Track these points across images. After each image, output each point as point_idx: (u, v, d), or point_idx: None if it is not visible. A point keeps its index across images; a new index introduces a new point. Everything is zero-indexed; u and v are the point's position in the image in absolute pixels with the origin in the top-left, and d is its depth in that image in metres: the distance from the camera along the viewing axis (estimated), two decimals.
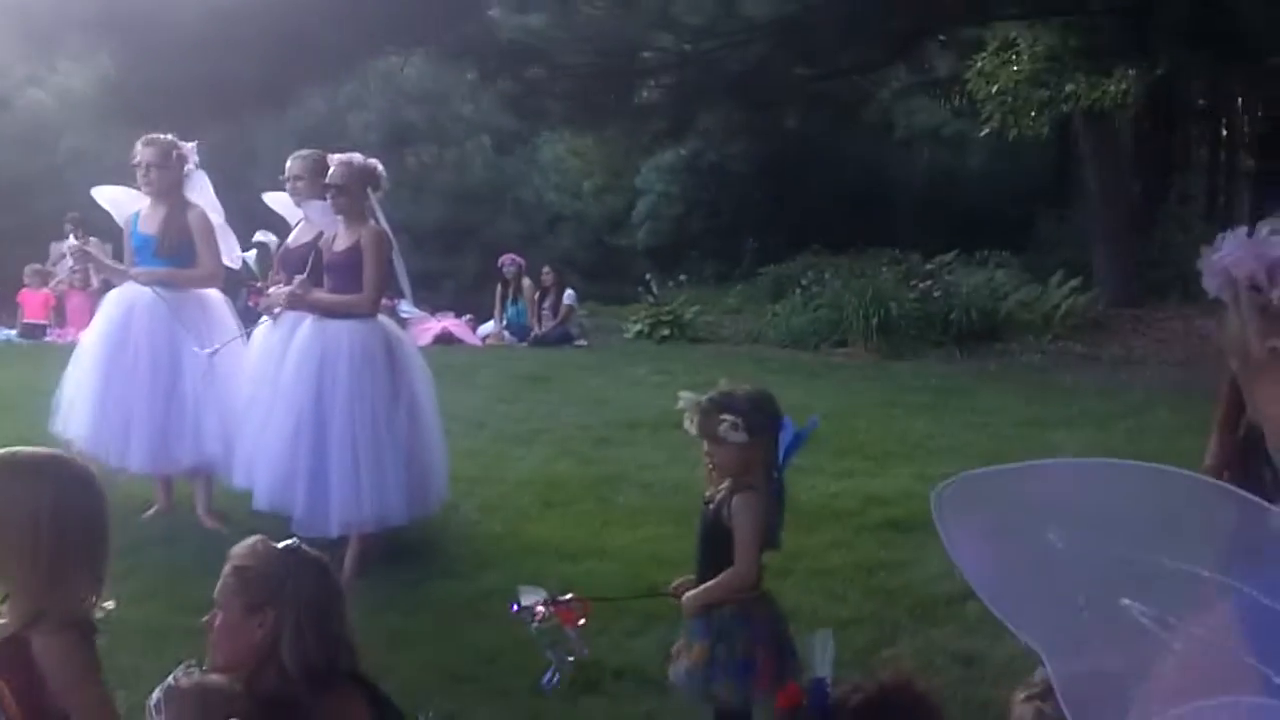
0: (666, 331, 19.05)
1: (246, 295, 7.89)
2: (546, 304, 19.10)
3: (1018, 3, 19.03)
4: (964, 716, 4.78)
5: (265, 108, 20.64)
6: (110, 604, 3.07)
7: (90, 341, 7.71)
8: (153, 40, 17.37)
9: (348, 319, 6.89)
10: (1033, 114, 19.59)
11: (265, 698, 3.01)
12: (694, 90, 20.55)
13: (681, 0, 17.79)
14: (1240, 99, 27.54)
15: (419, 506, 7.11)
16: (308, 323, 7.00)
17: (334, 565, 3.52)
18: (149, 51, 17.44)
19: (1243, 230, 1.89)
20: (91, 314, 13.40)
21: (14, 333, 18.60)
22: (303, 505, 6.71)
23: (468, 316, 19.59)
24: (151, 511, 7.74)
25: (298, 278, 7.00)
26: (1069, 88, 18.32)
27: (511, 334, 18.95)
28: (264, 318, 7.50)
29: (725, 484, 4.28)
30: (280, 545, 3.18)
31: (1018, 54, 19.08)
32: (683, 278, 23.38)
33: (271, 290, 7.33)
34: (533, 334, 18.76)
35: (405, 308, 13.25)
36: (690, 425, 4.28)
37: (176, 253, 7.52)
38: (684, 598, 4.35)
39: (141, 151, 7.50)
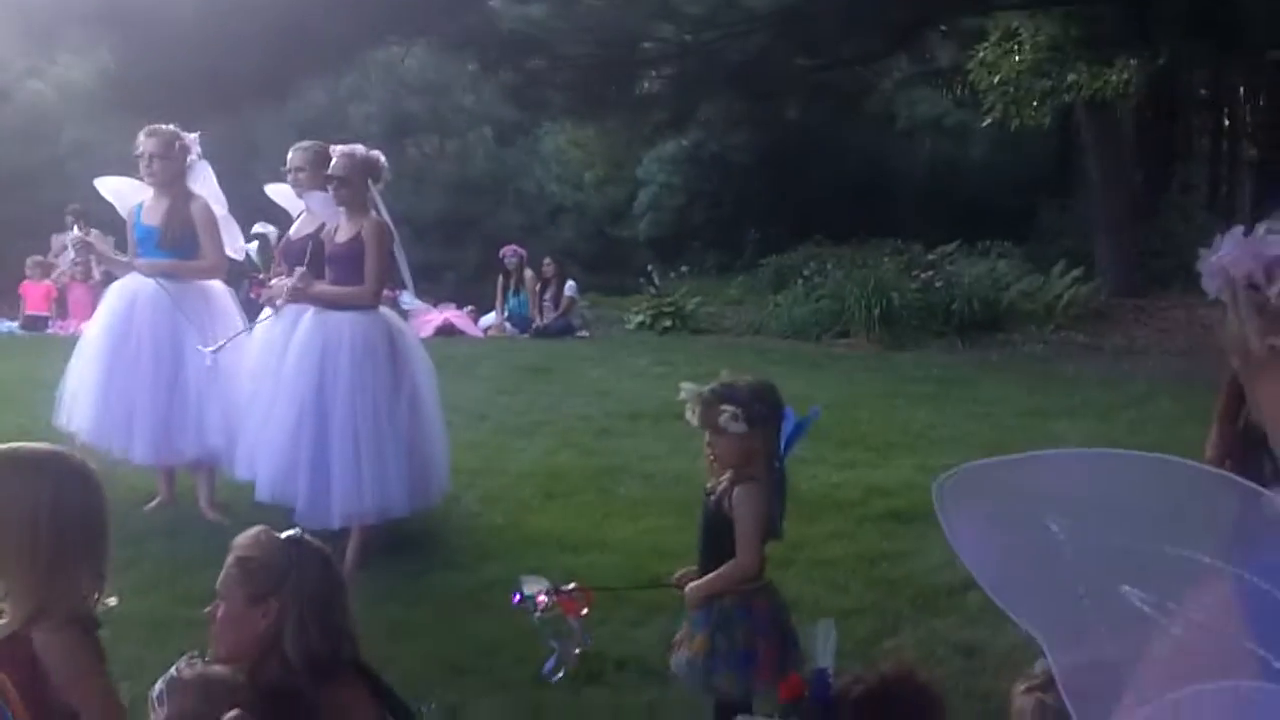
0: (668, 323, 19.04)
1: (248, 287, 7.89)
2: (547, 295, 19.10)
3: None
4: (966, 707, 4.78)
5: (266, 99, 20.62)
6: (113, 599, 3.07)
7: (93, 333, 7.72)
8: (152, 33, 17.36)
9: (349, 311, 6.89)
10: (1035, 104, 19.59)
11: (268, 689, 3.01)
12: (695, 81, 20.52)
13: None
14: (1242, 88, 27.54)
15: (420, 498, 7.12)
16: (309, 315, 7.00)
17: (335, 557, 3.52)
18: (149, 44, 17.43)
19: (1239, 230, 1.90)
20: (93, 306, 13.40)
21: (16, 325, 18.62)
22: (304, 497, 6.71)
23: (469, 308, 19.58)
24: (154, 503, 7.74)
25: (299, 269, 7.00)
26: (1071, 78, 18.31)
27: (513, 325, 18.94)
28: (266, 310, 7.49)
29: (727, 475, 4.28)
30: (283, 536, 3.18)
31: (1019, 44, 19.08)
32: (684, 269, 23.38)
33: (273, 282, 7.33)
34: (534, 325, 18.76)
35: (407, 299, 13.23)
36: (692, 416, 4.28)
37: (180, 244, 7.52)
38: (686, 589, 4.35)
39: (144, 142, 7.50)
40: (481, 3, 18.72)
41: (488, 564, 6.82)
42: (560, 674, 4.35)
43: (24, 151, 24.21)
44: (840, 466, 9.03)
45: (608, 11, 18.78)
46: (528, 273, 19.20)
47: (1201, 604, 1.58)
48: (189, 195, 7.59)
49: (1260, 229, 1.87)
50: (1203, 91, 28.47)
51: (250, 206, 8.22)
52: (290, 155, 7.65)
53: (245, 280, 8.00)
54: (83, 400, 7.48)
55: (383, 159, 7.14)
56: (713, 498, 4.32)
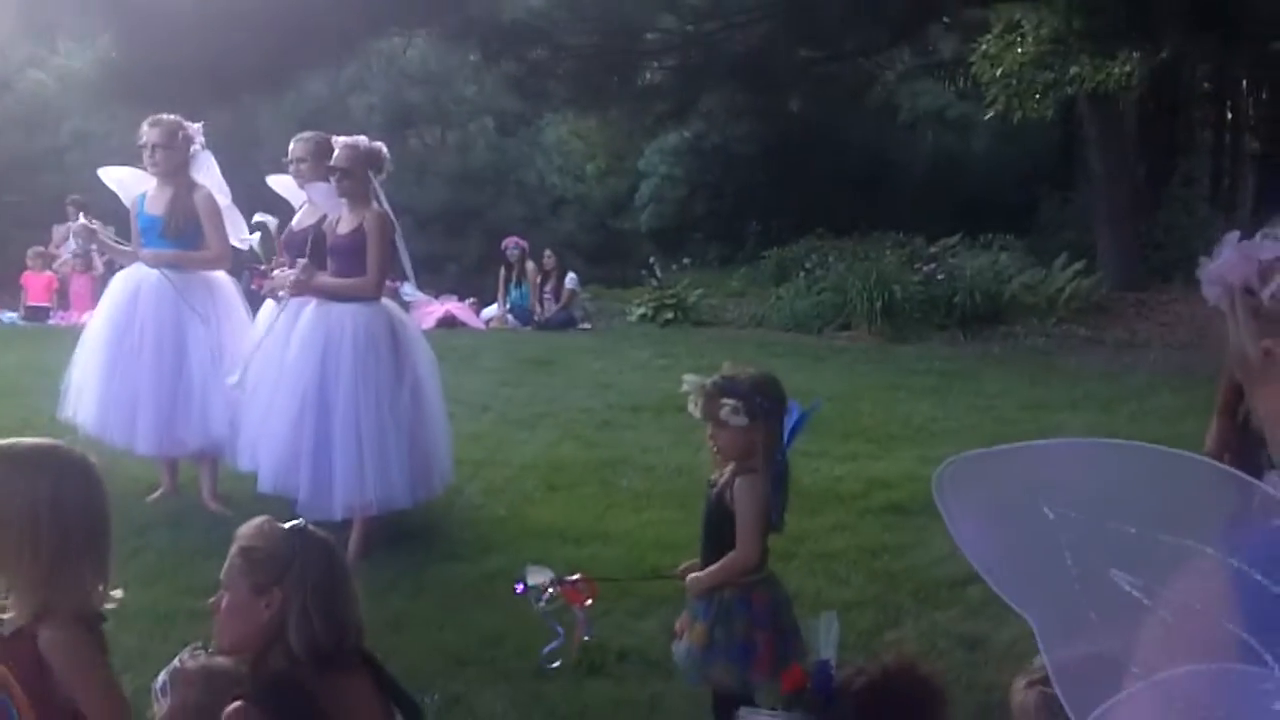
0: (670, 315, 19.04)
1: (249, 278, 7.89)
2: (548, 288, 19.09)
3: None
4: (967, 699, 4.79)
5: (267, 90, 20.59)
6: (118, 592, 3.07)
7: (96, 325, 7.71)
8: (154, 23, 17.34)
9: (351, 302, 6.89)
10: (1037, 96, 19.58)
11: (272, 679, 3.01)
12: (697, 72, 20.50)
13: None
14: (1245, 82, 27.50)
15: (423, 490, 7.13)
16: (311, 306, 7.01)
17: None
18: (150, 34, 17.40)
19: (1235, 235, 1.92)
20: (94, 297, 13.39)
21: (17, 315, 18.61)
22: (306, 488, 6.72)
23: (471, 300, 19.59)
24: (156, 494, 7.75)
25: (301, 261, 7.00)
26: (1073, 70, 18.31)
27: (515, 317, 18.94)
28: (269, 301, 7.50)
29: (729, 467, 4.29)
30: (287, 525, 3.18)
31: (1022, 36, 19.05)
32: (686, 261, 23.37)
33: (275, 273, 7.33)
34: (535, 318, 18.75)
35: (408, 290, 13.25)
36: (694, 408, 4.29)
37: (184, 234, 7.52)
38: (688, 579, 4.35)
39: (147, 132, 7.49)
40: None
41: (490, 556, 6.82)
42: (557, 662, 4.36)
43: (25, 141, 24.24)
44: (842, 459, 9.04)
45: (610, 2, 18.79)
46: (529, 264, 19.19)
47: (1191, 589, 1.60)
48: (192, 185, 7.58)
49: (1257, 236, 1.90)
50: (1205, 85, 28.44)
51: (251, 197, 8.22)
52: (292, 146, 7.66)
53: (246, 271, 8.00)
54: (87, 393, 7.48)
55: (385, 150, 7.14)
56: (715, 490, 4.33)
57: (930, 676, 3.33)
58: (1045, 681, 2.74)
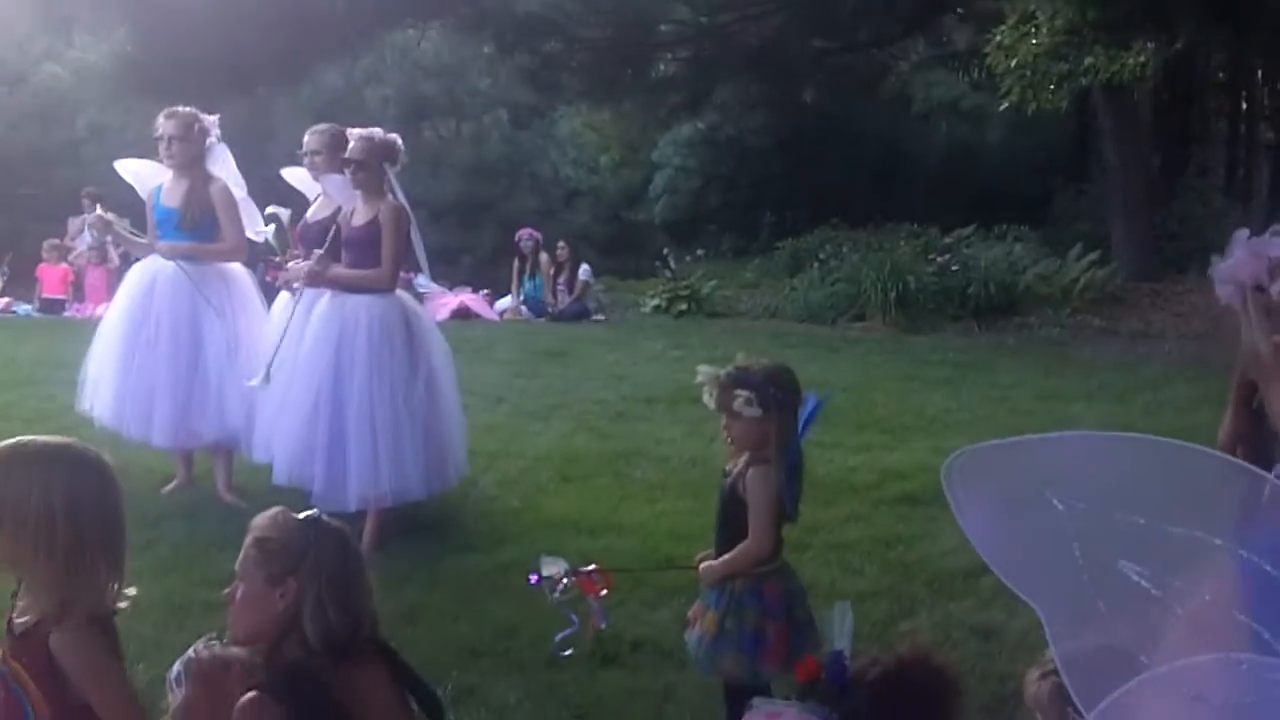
0: (684, 306, 19.03)
1: (264, 270, 7.90)
2: (562, 280, 19.09)
3: None
4: (981, 690, 4.79)
5: (282, 82, 20.67)
6: (131, 590, 3.07)
7: (112, 317, 7.73)
8: (169, 16, 17.40)
9: (366, 294, 6.90)
10: (1051, 87, 19.50)
11: (287, 670, 3.02)
12: (711, 64, 20.53)
13: None
14: (1260, 71, 27.39)
15: (437, 481, 7.13)
16: (326, 298, 7.01)
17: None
18: (165, 27, 17.47)
19: (1244, 233, 1.92)
20: (110, 289, 13.42)
21: (33, 308, 18.66)
22: (321, 479, 6.73)
23: (485, 291, 19.58)
24: (172, 486, 7.76)
25: (316, 252, 7.00)
26: (1088, 61, 18.23)
27: (528, 309, 18.94)
28: (283, 293, 7.51)
29: (744, 457, 4.30)
30: (301, 516, 3.18)
31: (1037, 27, 18.97)
32: (700, 252, 23.39)
33: (290, 265, 7.34)
34: (549, 309, 18.75)
35: (423, 282, 13.25)
36: (708, 399, 4.29)
37: (199, 226, 7.53)
38: (701, 568, 4.36)
39: (163, 124, 7.50)
40: None
41: (504, 547, 6.83)
42: (570, 650, 4.37)
43: (40, 135, 24.31)
44: (856, 450, 9.04)
45: None
46: (543, 256, 19.18)
47: (1200, 580, 1.60)
48: (208, 177, 7.59)
49: (1267, 234, 1.90)
50: (1220, 75, 28.34)
51: (266, 190, 8.23)
52: (306, 138, 7.66)
53: (261, 263, 8.02)
54: (104, 386, 7.50)
55: (399, 142, 7.13)
56: (728, 480, 4.34)
57: (944, 667, 3.33)
58: (1059, 672, 2.75)
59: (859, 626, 3.59)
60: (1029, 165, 25.62)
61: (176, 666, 3.13)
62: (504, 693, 4.97)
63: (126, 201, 8.36)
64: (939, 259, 18.33)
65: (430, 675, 3.36)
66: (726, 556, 4.28)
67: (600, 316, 18.73)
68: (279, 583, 3.05)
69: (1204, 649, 1.60)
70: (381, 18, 19.25)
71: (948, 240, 19.68)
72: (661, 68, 22.44)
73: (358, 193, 6.94)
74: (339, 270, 6.95)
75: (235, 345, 7.48)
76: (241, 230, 7.63)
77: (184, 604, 5.63)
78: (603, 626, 4.40)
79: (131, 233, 8.01)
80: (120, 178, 8.04)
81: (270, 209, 7.88)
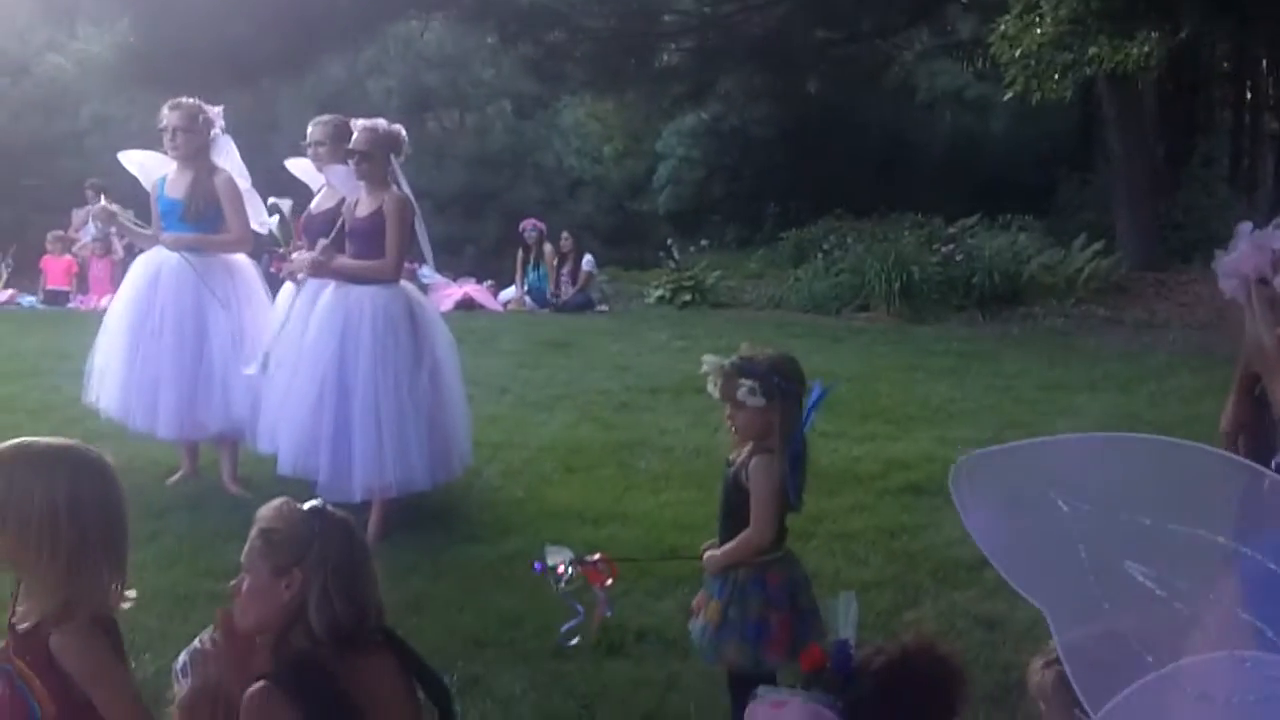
0: (688, 297, 19.01)
1: (269, 261, 7.91)
2: (565, 270, 19.08)
3: None
4: (986, 679, 4.79)
5: (285, 74, 20.67)
6: (133, 592, 3.08)
7: (117, 309, 7.74)
8: (172, 7, 17.40)
9: (370, 285, 6.91)
10: (1056, 77, 19.44)
11: (293, 660, 3.03)
12: (715, 54, 20.52)
13: None
14: (1264, 61, 27.34)
15: (442, 471, 7.14)
16: (330, 289, 7.02)
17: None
18: (169, 18, 17.47)
19: (1247, 226, 1.93)
20: (114, 281, 13.43)
21: (37, 299, 18.68)
22: (326, 470, 6.74)
23: (489, 282, 19.60)
24: (176, 477, 7.78)
25: (321, 242, 7.01)
26: (1092, 51, 18.18)
27: (532, 299, 18.93)
28: (287, 284, 7.52)
29: (747, 447, 4.30)
30: (306, 507, 3.19)
31: (1041, 17, 18.92)
32: (704, 243, 23.36)
33: (294, 256, 7.34)
34: (552, 300, 18.74)
35: (427, 273, 13.26)
36: (713, 388, 4.30)
37: (204, 218, 7.53)
38: (704, 557, 4.37)
39: (168, 115, 7.51)
40: None
41: (509, 537, 6.84)
42: (575, 639, 4.37)
43: (44, 126, 24.31)
44: (860, 440, 9.04)
45: None
46: (547, 247, 19.16)
47: (1205, 579, 1.61)
48: (213, 169, 7.60)
49: (1270, 226, 1.91)
50: (1225, 64, 28.30)
51: (270, 181, 8.23)
52: (310, 129, 7.66)
53: (265, 254, 8.02)
54: (109, 378, 7.52)
55: (403, 133, 7.14)
56: (732, 469, 4.34)
57: (949, 656, 3.34)
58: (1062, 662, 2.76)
59: (863, 616, 3.60)
60: (1033, 155, 25.58)
61: (182, 657, 3.14)
62: (509, 683, 4.98)
63: (131, 192, 8.37)
64: (943, 249, 18.32)
65: (435, 665, 3.36)
66: (728, 546, 4.29)
67: (604, 307, 18.72)
68: (285, 573, 3.05)
69: (1209, 648, 1.60)
70: (384, 9, 19.25)
71: (952, 230, 19.66)
72: (665, 58, 22.41)
73: (361, 184, 6.95)
74: (344, 261, 6.96)
75: (240, 337, 7.49)
76: (246, 221, 7.64)
77: (189, 595, 5.64)
78: (608, 615, 4.40)
79: (136, 224, 8.01)
80: (124, 169, 8.04)
81: (272, 200, 7.89)
